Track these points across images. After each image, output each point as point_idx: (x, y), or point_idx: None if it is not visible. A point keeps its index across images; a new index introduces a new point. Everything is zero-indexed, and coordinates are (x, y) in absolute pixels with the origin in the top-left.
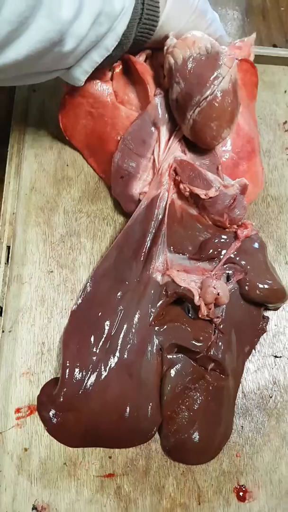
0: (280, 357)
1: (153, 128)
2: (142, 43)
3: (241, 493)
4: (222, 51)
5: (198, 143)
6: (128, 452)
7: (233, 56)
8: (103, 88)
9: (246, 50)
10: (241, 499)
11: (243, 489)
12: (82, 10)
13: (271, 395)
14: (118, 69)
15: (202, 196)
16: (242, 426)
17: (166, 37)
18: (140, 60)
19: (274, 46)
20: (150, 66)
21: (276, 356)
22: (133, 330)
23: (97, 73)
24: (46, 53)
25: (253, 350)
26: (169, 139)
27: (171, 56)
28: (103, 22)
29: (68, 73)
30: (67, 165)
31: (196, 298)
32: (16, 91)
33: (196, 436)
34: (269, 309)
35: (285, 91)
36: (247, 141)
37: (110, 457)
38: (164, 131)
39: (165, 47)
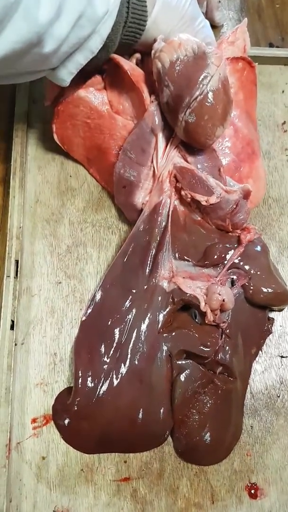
0: (286, 357)
1: (151, 136)
2: (129, 46)
3: (252, 491)
4: (209, 51)
5: (192, 144)
6: (143, 456)
7: (220, 55)
8: (98, 98)
9: (241, 42)
10: (253, 496)
11: (255, 486)
12: (62, 12)
13: (278, 395)
14: (110, 78)
15: (203, 203)
16: (252, 426)
17: (155, 40)
18: (131, 66)
19: (271, 44)
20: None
21: (282, 356)
22: (142, 338)
23: (91, 82)
24: (24, 54)
25: (260, 352)
26: (167, 146)
27: (159, 61)
28: (84, 25)
29: (54, 74)
30: (70, 176)
31: (202, 304)
32: (16, 103)
33: (207, 438)
34: (273, 311)
35: (283, 91)
36: (247, 143)
37: (125, 462)
38: (161, 138)
39: (153, 51)
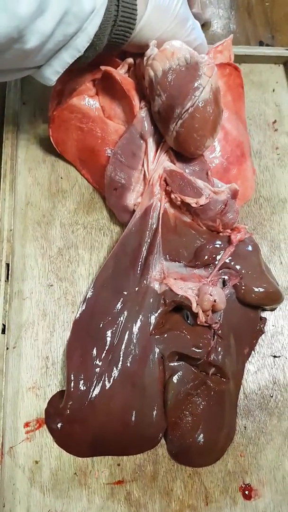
0: (279, 356)
1: (141, 141)
2: (119, 45)
3: (246, 492)
4: (202, 61)
5: (182, 153)
6: (136, 459)
7: (212, 65)
8: (90, 104)
9: (227, 52)
10: (247, 497)
11: (249, 487)
12: (47, 8)
13: (271, 395)
14: (102, 84)
15: (193, 205)
16: (245, 427)
17: (147, 43)
18: (122, 72)
19: (261, 42)
20: (134, 76)
21: (275, 356)
22: (134, 340)
23: (82, 89)
24: (5, 49)
25: (252, 352)
26: (157, 150)
27: (151, 69)
28: (71, 21)
29: (39, 72)
30: (61, 178)
31: (194, 305)
32: (6, 104)
33: (201, 439)
34: (266, 310)
35: (274, 90)
36: (236, 146)
37: (118, 465)
38: (151, 143)
39: (145, 58)
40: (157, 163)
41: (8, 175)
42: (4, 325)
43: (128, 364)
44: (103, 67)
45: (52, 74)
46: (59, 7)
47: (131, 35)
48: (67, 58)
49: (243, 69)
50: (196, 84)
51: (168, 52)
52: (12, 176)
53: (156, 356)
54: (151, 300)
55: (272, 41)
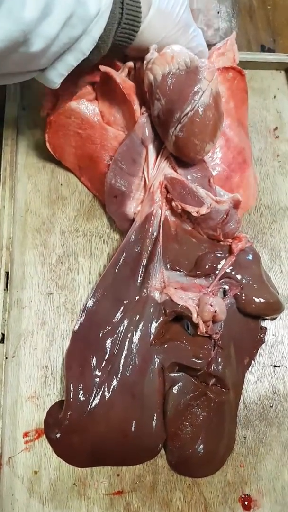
0: (279, 366)
1: (142, 147)
2: (122, 48)
3: (246, 502)
4: (202, 65)
5: (182, 158)
6: (135, 469)
7: (213, 69)
8: (89, 109)
9: (231, 53)
10: (247, 508)
11: (248, 498)
12: (52, 11)
13: (271, 405)
14: (102, 89)
15: (194, 214)
16: (245, 437)
17: (149, 47)
18: (122, 76)
19: (262, 46)
20: (134, 80)
21: (275, 366)
22: (134, 350)
23: (81, 93)
24: (10, 52)
25: (253, 361)
26: (157, 157)
27: (150, 73)
28: (75, 24)
29: (43, 75)
30: (61, 185)
31: (194, 316)
32: (5, 110)
33: (200, 450)
34: (266, 319)
35: (275, 96)
36: (238, 153)
37: (118, 475)
38: (152, 149)
39: (145, 62)
40: (158, 169)
41: (7, 182)
42: (3, 334)
43: (128, 374)
44: (102, 68)
45: (56, 76)
46: (64, 10)
47: (134, 38)
48: (71, 60)
49: None
50: (196, 89)
51: (168, 56)
52: (12, 183)
53: (156, 366)
54: (151, 310)
55: (274, 44)
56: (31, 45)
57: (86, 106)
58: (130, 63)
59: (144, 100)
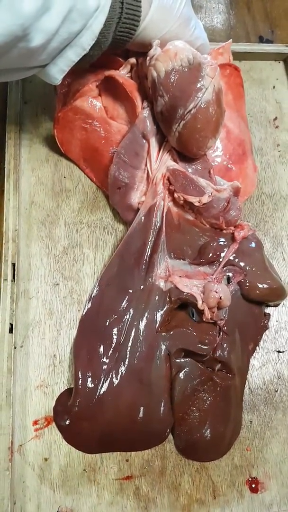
0: (283, 351)
1: (143, 141)
2: (123, 43)
3: (253, 485)
4: (204, 61)
5: (184, 153)
6: (144, 454)
7: (215, 66)
8: (93, 104)
9: (227, 55)
10: (254, 490)
11: (255, 481)
12: (51, 5)
13: (276, 389)
14: (105, 86)
15: (196, 204)
16: (251, 421)
17: (151, 42)
18: (124, 72)
19: (261, 37)
20: (136, 76)
21: (279, 351)
22: (141, 338)
23: (85, 91)
24: (10, 48)
25: (257, 347)
26: (159, 150)
27: (154, 69)
28: (75, 19)
29: (44, 71)
30: (65, 177)
31: (200, 302)
32: (8, 104)
33: (207, 434)
34: (270, 306)
35: (274, 87)
36: (238, 144)
37: (127, 460)
38: (154, 143)
39: (148, 58)
40: (160, 162)
41: (12, 175)
42: (11, 324)
43: (135, 361)
44: (106, 73)
45: (57, 72)
46: (63, 5)
47: (135, 33)
48: (72, 56)
49: (243, 66)
50: (198, 85)
51: (171, 52)
52: (16, 176)
53: (162, 353)
54: (157, 298)
55: (272, 35)
56: (31, 40)
57: (90, 102)
58: (133, 60)
59: (146, 95)
